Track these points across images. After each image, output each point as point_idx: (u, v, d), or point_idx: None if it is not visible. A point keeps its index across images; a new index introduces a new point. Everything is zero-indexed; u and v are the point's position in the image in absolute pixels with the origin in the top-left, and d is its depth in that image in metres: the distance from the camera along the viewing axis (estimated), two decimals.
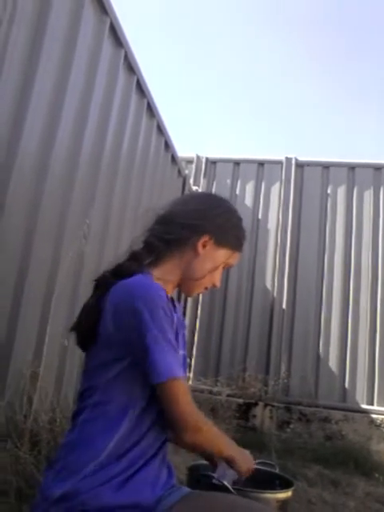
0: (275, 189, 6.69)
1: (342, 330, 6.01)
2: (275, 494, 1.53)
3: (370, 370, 5.80)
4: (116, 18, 3.49)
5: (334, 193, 6.52)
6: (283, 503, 1.55)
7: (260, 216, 6.63)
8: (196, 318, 6.37)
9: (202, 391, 5.44)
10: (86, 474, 1.26)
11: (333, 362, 5.93)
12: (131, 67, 3.92)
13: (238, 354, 6.16)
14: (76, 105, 3.06)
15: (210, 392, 5.55)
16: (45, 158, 2.74)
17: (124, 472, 1.27)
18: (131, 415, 1.32)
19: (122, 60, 3.71)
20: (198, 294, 5.43)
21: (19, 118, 2.47)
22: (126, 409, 1.32)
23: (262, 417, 5.55)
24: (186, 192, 5.86)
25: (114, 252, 3.66)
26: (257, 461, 1.73)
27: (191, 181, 6.45)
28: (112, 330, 1.33)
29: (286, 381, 5.69)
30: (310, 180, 6.63)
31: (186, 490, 1.40)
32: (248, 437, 5.16)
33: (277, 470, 1.73)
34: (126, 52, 3.76)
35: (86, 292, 3.22)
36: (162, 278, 1.47)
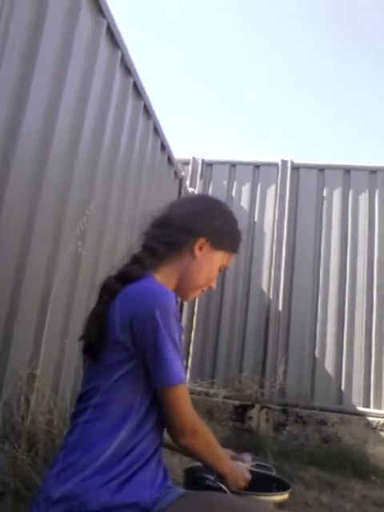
0: (271, 191, 6.70)
1: (337, 332, 6.02)
2: (272, 496, 1.53)
3: (366, 372, 5.81)
4: (113, 20, 3.49)
5: (330, 195, 6.54)
6: (280, 506, 1.55)
7: (256, 218, 6.64)
8: (192, 320, 6.37)
9: (198, 393, 5.43)
10: (86, 475, 1.26)
11: (329, 364, 5.94)
12: (128, 69, 3.92)
13: (234, 356, 6.16)
14: (73, 106, 3.06)
15: (207, 394, 5.54)
16: (42, 159, 2.73)
17: (123, 473, 1.28)
18: (133, 417, 1.33)
19: (118, 61, 3.71)
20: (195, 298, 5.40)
21: (16, 120, 2.47)
22: (128, 411, 1.33)
23: (259, 419, 5.54)
24: (183, 194, 5.87)
25: (111, 253, 3.66)
26: (253, 463, 1.73)
27: (187, 182, 6.45)
28: (120, 335, 1.34)
29: (282, 383, 5.69)
30: (306, 182, 6.64)
31: (182, 490, 1.42)
32: (244, 439, 5.17)
33: (273, 473, 1.73)
34: (122, 53, 3.76)
35: (82, 293, 3.25)
36: (163, 281, 1.48)
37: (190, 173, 6.83)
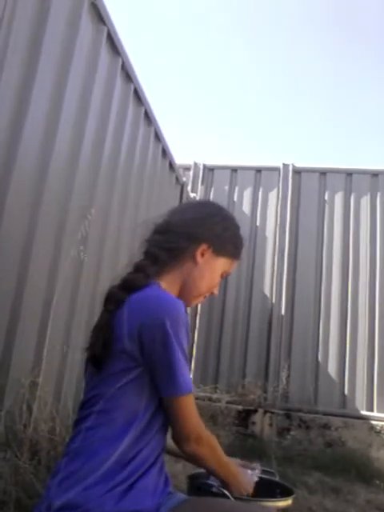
0: (273, 195, 6.71)
1: (340, 336, 6.01)
2: (275, 502, 1.53)
3: (369, 376, 5.79)
4: (113, 27, 3.51)
5: (332, 199, 6.54)
6: (283, 511, 1.55)
7: (258, 223, 6.65)
8: (195, 325, 6.36)
9: (201, 399, 5.42)
10: (89, 483, 1.25)
11: (332, 368, 5.93)
12: (128, 75, 3.93)
13: (237, 361, 6.15)
14: (74, 113, 3.07)
15: (210, 399, 5.53)
16: (43, 166, 2.74)
17: (126, 481, 1.28)
18: (137, 424, 1.33)
19: (119, 69, 3.72)
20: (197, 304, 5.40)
21: (17, 128, 2.48)
22: (132, 418, 1.33)
23: (262, 424, 5.53)
24: (184, 199, 5.87)
25: (113, 260, 3.66)
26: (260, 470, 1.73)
27: (189, 188, 6.46)
28: (127, 344, 1.33)
29: (285, 387, 5.68)
30: (308, 186, 6.65)
31: (184, 496, 1.42)
32: (248, 444, 5.16)
33: (277, 478, 1.72)
34: (123, 61, 3.77)
35: (84, 300, 3.25)
36: (167, 288, 1.48)
37: (191, 178, 6.84)
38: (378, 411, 5.63)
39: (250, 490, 1.47)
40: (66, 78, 2.93)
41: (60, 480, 1.28)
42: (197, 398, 5.27)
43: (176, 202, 5.56)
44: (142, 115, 4.34)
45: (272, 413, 5.56)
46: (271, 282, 6.37)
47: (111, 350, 1.35)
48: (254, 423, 5.52)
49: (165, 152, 5.08)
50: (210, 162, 7.03)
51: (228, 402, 5.56)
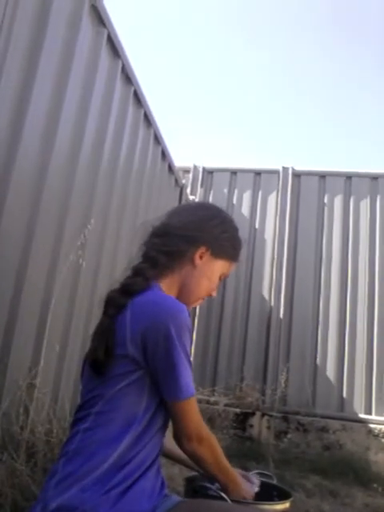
0: (272, 198, 6.71)
1: (339, 338, 6.00)
2: (273, 505, 1.52)
3: (367, 379, 5.79)
4: (113, 29, 3.51)
5: (331, 202, 6.54)
6: None
7: (257, 225, 6.65)
8: (193, 327, 6.36)
9: (199, 401, 5.40)
10: (86, 485, 1.25)
11: (330, 371, 5.92)
12: (128, 78, 3.94)
13: (235, 364, 6.14)
14: (73, 115, 3.07)
15: (208, 402, 5.53)
16: (42, 168, 2.74)
17: (123, 483, 1.27)
18: (136, 426, 1.32)
19: (119, 71, 3.73)
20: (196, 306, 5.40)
21: (16, 130, 2.47)
22: (132, 419, 1.32)
23: (260, 427, 5.52)
24: (183, 202, 5.87)
25: (111, 262, 3.66)
26: (254, 471, 1.73)
27: (188, 190, 6.46)
28: (130, 349, 1.33)
29: (283, 390, 5.67)
30: (307, 189, 6.64)
31: (179, 498, 1.42)
32: (245, 447, 5.15)
33: (274, 481, 1.72)
34: (123, 63, 3.77)
35: (83, 302, 3.25)
36: (166, 291, 1.48)
37: (190, 180, 6.84)
38: (376, 414, 5.62)
39: (249, 497, 1.47)
40: (66, 79, 2.93)
41: (57, 481, 1.28)
42: None
43: (175, 204, 5.56)
44: (142, 117, 4.34)
45: (270, 416, 5.55)
46: (270, 284, 6.37)
47: (113, 355, 1.34)
48: (251, 426, 5.51)
49: (164, 154, 5.09)
50: (210, 165, 7.03)
51: (226, 405, 5.55)
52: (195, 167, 6.98)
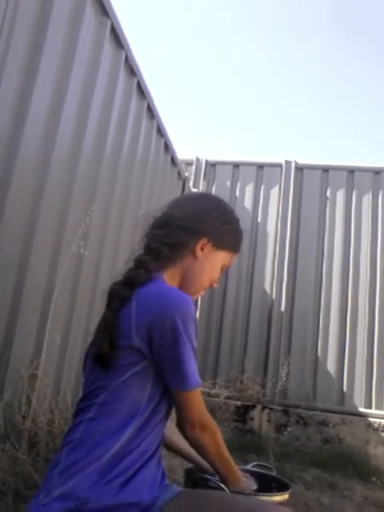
0: (274, 191, 6.69)
1: (340, 333, 6.01)
2: (272, 496, 1.53)
3: (367, 373, 5.79)
4: (117, 20, 3.49)
5: (333, 196, 6.52)
6: None
7: (259, 219, 6.64)
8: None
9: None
10: (88, 473, 1.26)
11: (331, 365, 5.93)
12: (132, 69, 3.92)
13: (236, 357, 6.16)
14: (76, 107, 3.06)
15: (208, 394, 5.54)
16: (45, 160, 2.73)
17: (125, 473, 1.28)
18: (139, 417, 1.33)
19: (122, 62, 3.71)
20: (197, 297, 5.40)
21: (19, 122, 2.46)
22: (135, 410, 1.33)
23: (260, 419, 5.54)
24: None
25: (113, 254, 3.66)
26: (254, 463, 1.73)
27: (191, 183, 6.45)
28: (135, 340, 1.32)
29: (284, 384, 5.69)
30: (309, 183, 6.63)
31: (180, 488, 1.43)
32: (246, 439, 5.17)
33: (274, 473, 1.73)
34: (126, 54, 3.76)
35: (85, 294, 3.25)
36: (169, 283, 1.48)
37: (193, 173, 6.82)
38: (377, 408, 5.63)
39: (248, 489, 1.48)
40: (68, 71, 2.91)
41: (61, 470, 1.28)
42: None
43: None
44: (145, 109, 4.33)
45: (270, 409, 5.57)
46: (271, 278, 6.36)
47: (117, 347, 1.34)
48: (252, 419, 5.53)
49: (167, 146, 5.07)
50: (212, 158, 7.01)
51: (226, 398, 5.57)
52: (198, 160, 6.96)
